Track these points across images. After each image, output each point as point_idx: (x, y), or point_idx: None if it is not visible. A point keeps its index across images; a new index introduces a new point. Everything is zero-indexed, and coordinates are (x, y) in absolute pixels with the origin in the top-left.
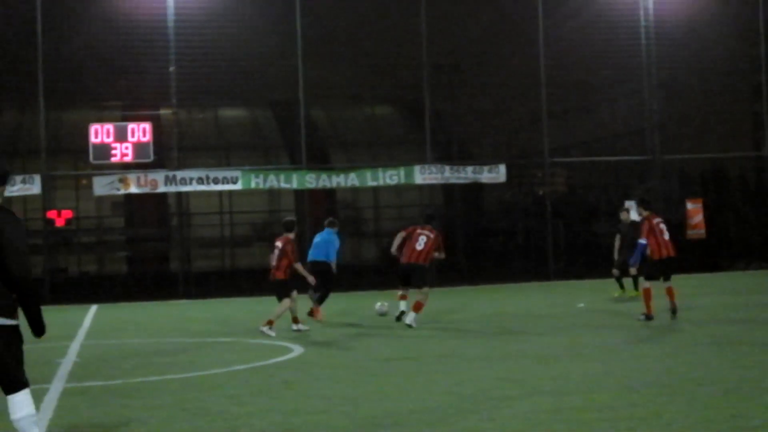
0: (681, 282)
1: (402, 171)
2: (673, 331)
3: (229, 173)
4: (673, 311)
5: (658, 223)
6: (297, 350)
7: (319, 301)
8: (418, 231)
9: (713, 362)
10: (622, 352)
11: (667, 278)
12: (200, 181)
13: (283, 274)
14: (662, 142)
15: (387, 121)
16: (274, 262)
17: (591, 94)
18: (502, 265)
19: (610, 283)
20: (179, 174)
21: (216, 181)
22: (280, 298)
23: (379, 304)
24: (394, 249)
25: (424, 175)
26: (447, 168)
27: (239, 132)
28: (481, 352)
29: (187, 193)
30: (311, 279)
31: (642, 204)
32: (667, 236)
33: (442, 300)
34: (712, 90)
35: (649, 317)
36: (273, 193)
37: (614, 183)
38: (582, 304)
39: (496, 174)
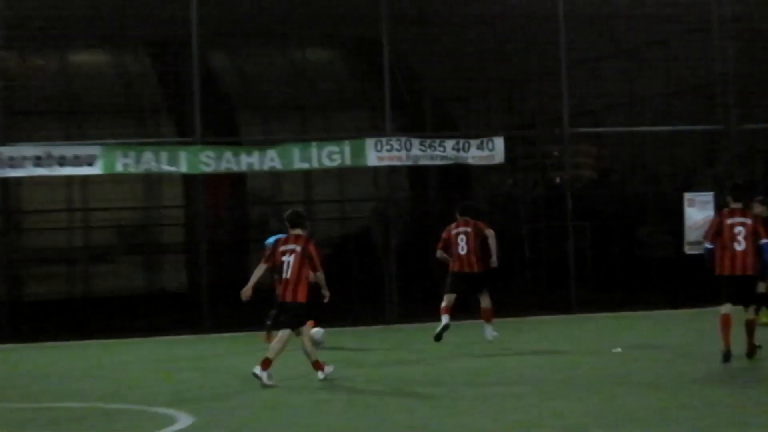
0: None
1: (347, 147)
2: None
3: (83, 150)
4: (749, 353)
5: (732, 225)
6: (183, 421)
7: None
8: (454, 231)
9: None
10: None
11: (743, 304)
12: (38, 161)
13: (305, 292)
14: (739, 104)
15: (325, 73)
16: (288, 275)
17: (632, 34)
18: (501, 288)
19: (661, 317)
20: (4, 151)
21: (63, 162)
22: (295, 326)
23: (315, 330)
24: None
25: (381, 153)
26: (415, 142)
27: (99, 88)
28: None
29: (17, 180)
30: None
31: (733, 192)
32: (739, 246)
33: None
34: None
35: (725, 355)
36: (151, 181)
37: (669, 165)
38: (618, 349)
39: (489, 152)
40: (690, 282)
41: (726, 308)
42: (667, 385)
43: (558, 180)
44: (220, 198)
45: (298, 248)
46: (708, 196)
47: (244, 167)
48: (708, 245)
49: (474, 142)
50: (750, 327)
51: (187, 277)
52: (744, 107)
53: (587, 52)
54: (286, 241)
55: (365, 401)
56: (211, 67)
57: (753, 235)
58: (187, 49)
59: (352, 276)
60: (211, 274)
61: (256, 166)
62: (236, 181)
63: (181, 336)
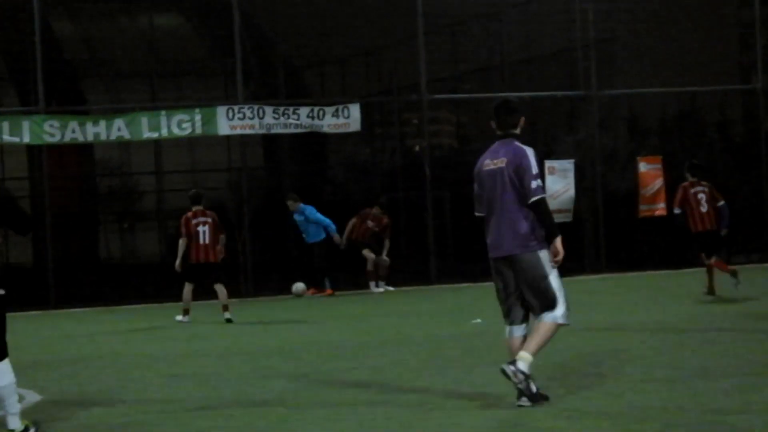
0: (620, 286)
1: (198, 116)
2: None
3: None
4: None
5: (695, 193)
6: (30, 397)
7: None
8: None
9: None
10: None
11: (709, 254)
12: None
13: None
14: (601, 69)
15: (174, 39)
16: (207, 240)
17: None
18: (359, 262)
19: None
20: None
21: None
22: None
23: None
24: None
25: (233, 122)
26: (269, 110)
27: None
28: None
29: None
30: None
31: (691, 169)
32: (704, 208)
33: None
34: None
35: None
36: None
37: (529, 131)
38: (478, 320)
39: (345, 119)
40: None
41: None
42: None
43: (416, 148)
44: (67, 169)
45: (210, 219)
46: (569, 164)
47: (90, 137)
48: (676, 211)
49: (329, 110)
50: (719, 266)
51: (33, 251)
52: (605, 73)
53: (445, 16)
54: (195, 215)
55: (218, 373)
56: (54, 31)
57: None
58: (27, 12)
59: None
60: (58, 248)
61: (103, 136)
62: (83, 151)
63: (26, 312)
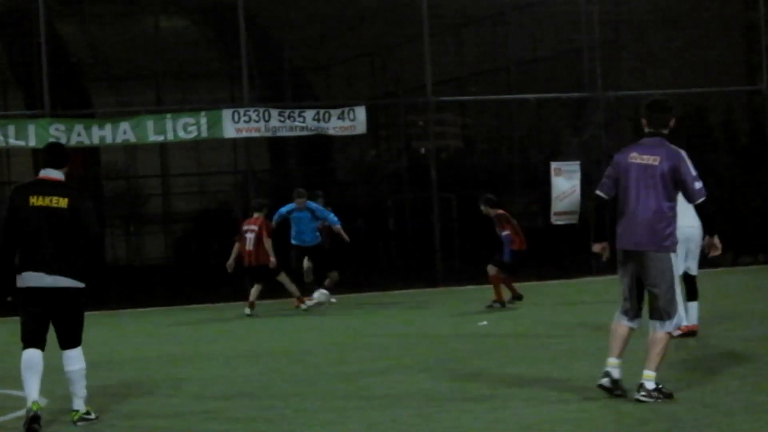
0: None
1: (204, 119)
2: None
3: None
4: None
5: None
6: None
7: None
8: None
9: None
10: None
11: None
12: None
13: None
14: (607, 71)
15: (179, 42)
16: (251, 247)
17: None
18: (365, 264)
19: (534, 288)
20: None
21: None
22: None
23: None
24: None
25: (239, 125)
26: (274, 113)
27: None
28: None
29: None
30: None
31: (488, 203)
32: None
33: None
34: None
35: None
36: None
37: (535, 132)
38: (484, 322)
39: (350, 122)
40: (558, 253)
41: None
42: (526, 359)
43: (422, 150)
44: (71, 173)
45: (256, 227)
46: (575, 165)
47: (96, 141)
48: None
49: (335, 112)
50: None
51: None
52: (610, 74)
53: (451, 17)
54: (248, 222)
55: (224, 375)
56: (59, 34)
57: None
58: (32, 16)
59: (212, 252)
60: None
61: (109, 140)
62: (89, 154)
63: None
